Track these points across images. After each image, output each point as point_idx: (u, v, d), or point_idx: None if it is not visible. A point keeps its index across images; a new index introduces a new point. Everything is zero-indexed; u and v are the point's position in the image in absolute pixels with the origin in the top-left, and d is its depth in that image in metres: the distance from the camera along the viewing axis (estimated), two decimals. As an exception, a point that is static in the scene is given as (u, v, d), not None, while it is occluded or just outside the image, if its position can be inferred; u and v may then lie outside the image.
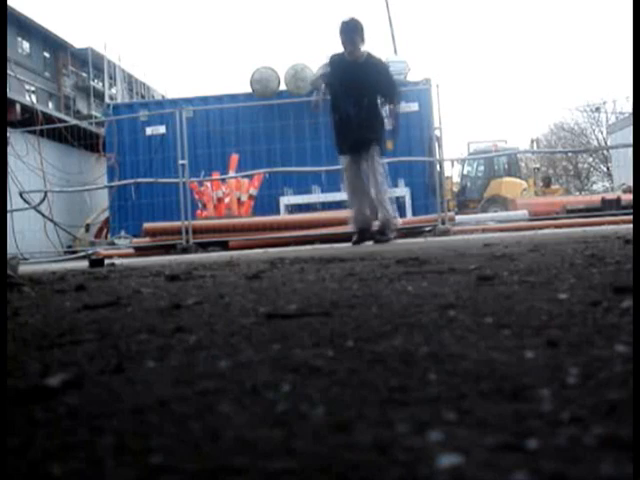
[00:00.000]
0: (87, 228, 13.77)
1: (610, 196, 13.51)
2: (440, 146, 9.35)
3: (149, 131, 12.85)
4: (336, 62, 6.18)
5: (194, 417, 0.71)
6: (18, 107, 12.82)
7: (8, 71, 14.30)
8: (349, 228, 6.71)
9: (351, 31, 5.98)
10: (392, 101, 6.31)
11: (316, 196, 12.02)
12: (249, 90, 12.81)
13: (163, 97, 25.65)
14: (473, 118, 77.67)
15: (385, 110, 6.32)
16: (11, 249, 8.78)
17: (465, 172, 21.84)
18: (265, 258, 4.12)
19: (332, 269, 2.75)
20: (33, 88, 30.43)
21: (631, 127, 16.07)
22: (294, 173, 12.00)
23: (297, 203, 12.03)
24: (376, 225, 6.22)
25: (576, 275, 1.83)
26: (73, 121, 16.06)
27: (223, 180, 10.51)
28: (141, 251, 9.03)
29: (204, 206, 10.61)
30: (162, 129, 12.62)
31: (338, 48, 6.17)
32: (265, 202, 11.68)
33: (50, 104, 32.70)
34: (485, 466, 0.52)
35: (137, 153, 13.00)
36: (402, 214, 11.49)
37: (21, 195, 9.66)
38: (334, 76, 6.15)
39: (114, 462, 0.58)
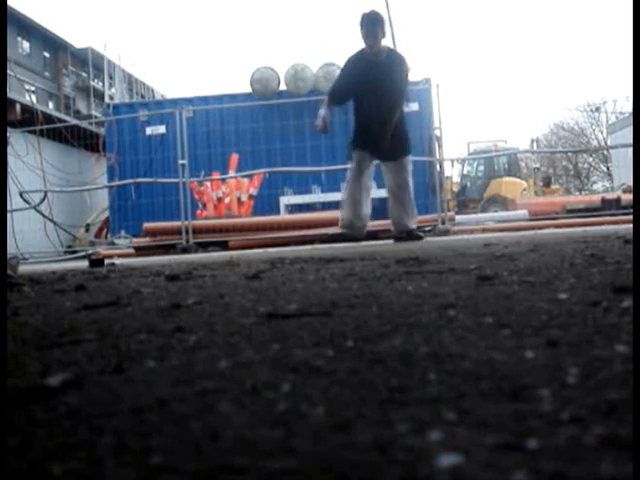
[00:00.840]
0: (87, 228, 13.78)
1: (610, 196, 13.51)
2: (440, 146, 9.35)
3: (149, 131, 12.85)
4: (356, 61, 5.86)
5: (194, 417, 0.70)
6: (18, 107, 12.83)
7: (8, 71, 14.30)
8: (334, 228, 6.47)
9: (373, 23, 5.69)
10: (400, 104, 6.02)
11: (316, 196, 12.03)
12: (249, 90, 12.81)
13: (163, 97, 25.64)
14: (473, 118, 77.72)
15: None
16: (11, 249, 8.78)
17: (465, 172, 21.85)
18: (265, 258, 4.12)
19: (332, 269, 2.75)
20: (33, 88, 30.42)
21: (631, 127, 16.08)
22: (294, 173, 12.00)
23: (297, 203, 12.03)
24: (403, 225, 6.07)
25: (576, 275, 1.83)
26: (73, 121, 16.06)
27: (223, 180, 10.51)
28: (141, 251, 9.03)
29: (204, 206, 10.62)
30: (162, 129, 12.62)
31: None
32: (265, 202, 11.68)
33: (50, 104, 32.72)
34: (485, 466, 0.52)
35: (137, 153, 13.00)
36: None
37: (21, 195, 9.67)
38: (355, 75, 5.82)
39: (114, 462, 0.58)
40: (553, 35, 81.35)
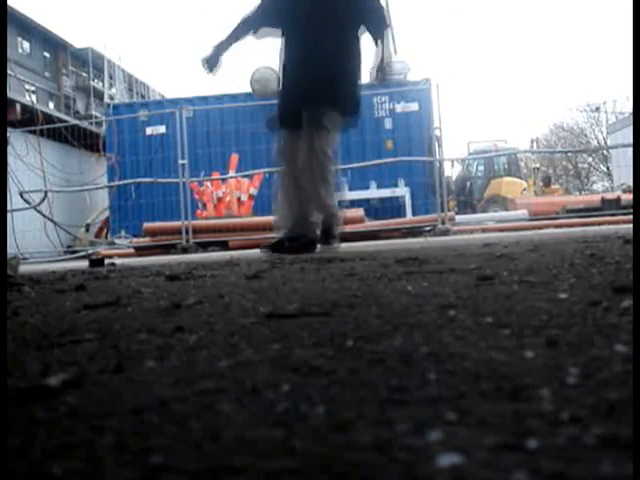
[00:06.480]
0: (87, 228, 13.79)
1: (610, 196, 13.49)
2: (440, 146, 9.36)
3: (149, 131, 12.87)
4: None
5: (194, 417, 0.70)
6: (18, 107, 12.85)
7: (8, 71, 14.30)
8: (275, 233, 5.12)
9: None
10: (378, 33, 4.47)
11: (316, 196, 11.99)
12: (249, 90, 12.80)
13: (163, 97, 25.62)
14: (473, 118, 77.78)
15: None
16: (11, 249, 8.78)
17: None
18: (265, 258, 4.12)
19: (332, 269, 2.75)
20: (33, 88, 30.43)
21: (631, 127, 16.06)
22: (294, 173, 11.98)
23: (297, 203, 12.01)
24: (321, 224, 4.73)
25: (576, 275, 1.83)
26: (73, 121, 16.07)
27: (223, 180, 10.51)
28: (141, 251, 9.03)
29: (204, 206, 10.62)
30: (162, 129, 12.64)
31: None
32: (265, 202, 11.66)
33: (50, 104, 32.71)
34: (485, 466, 0.52)
35: (137, 153, 13.01)
36: (402, 214, 11.51)
37: (21, 195, 9.67)
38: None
39: (114, 462, 0.58)
40: (553, 35, 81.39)
